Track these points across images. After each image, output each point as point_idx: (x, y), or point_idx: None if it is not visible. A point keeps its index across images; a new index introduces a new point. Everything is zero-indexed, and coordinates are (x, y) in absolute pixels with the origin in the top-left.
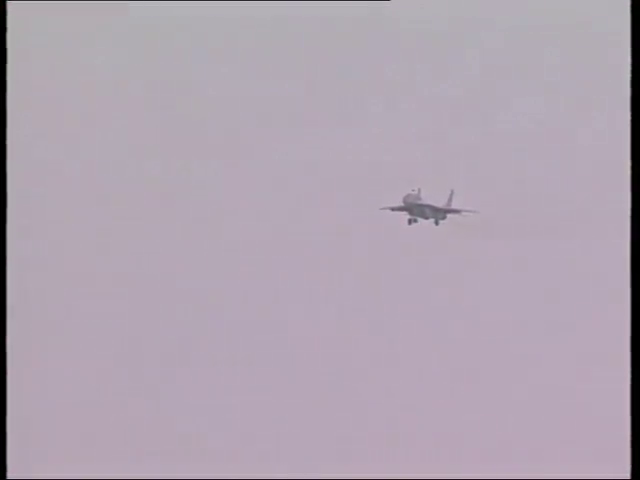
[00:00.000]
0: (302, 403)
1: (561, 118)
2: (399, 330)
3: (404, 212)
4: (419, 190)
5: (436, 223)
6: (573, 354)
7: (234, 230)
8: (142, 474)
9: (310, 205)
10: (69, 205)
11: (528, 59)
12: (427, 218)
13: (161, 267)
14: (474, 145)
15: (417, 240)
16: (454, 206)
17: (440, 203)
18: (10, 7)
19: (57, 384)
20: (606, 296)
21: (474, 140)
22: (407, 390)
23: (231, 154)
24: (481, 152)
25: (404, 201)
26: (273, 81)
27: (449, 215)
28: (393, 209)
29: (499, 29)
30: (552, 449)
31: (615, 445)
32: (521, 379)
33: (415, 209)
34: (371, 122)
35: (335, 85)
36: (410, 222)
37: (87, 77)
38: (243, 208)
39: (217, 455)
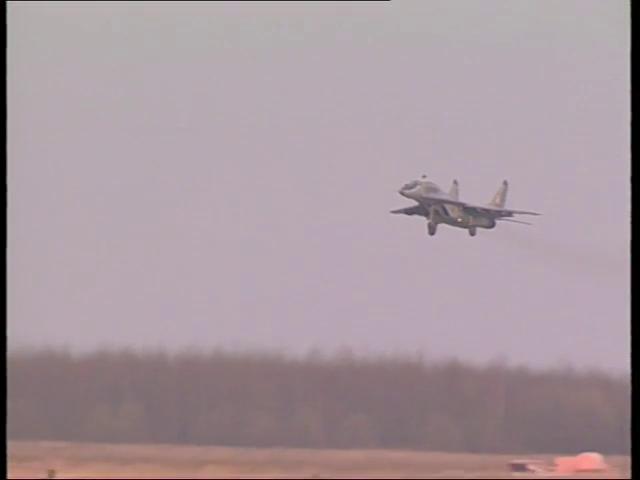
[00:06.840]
0: None
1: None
2: None
3: (422, 214)
4: (458, 183)
5: (471, 233)
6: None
7: (239, 229)
8: None
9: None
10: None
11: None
12: (456, 223)
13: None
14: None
15: (432, 264)
16: (507, 206)
17: (481, 201)
18: (10, 7)
19: None
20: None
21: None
22: None
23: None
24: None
25: (406, 192)
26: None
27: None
28: (408, 212)
29: (497, 30)
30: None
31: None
32: None
33: (433, 207)
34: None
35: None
36: (431, 230)
37: (87, 77)
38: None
39: None
